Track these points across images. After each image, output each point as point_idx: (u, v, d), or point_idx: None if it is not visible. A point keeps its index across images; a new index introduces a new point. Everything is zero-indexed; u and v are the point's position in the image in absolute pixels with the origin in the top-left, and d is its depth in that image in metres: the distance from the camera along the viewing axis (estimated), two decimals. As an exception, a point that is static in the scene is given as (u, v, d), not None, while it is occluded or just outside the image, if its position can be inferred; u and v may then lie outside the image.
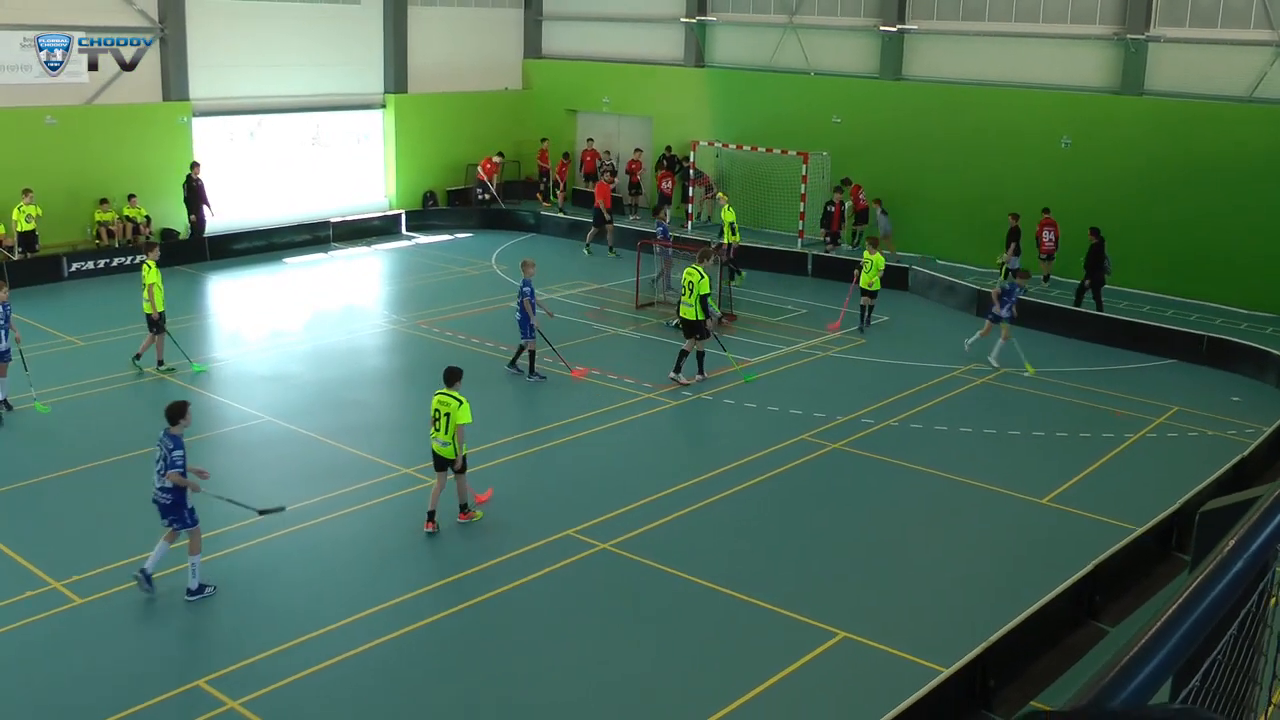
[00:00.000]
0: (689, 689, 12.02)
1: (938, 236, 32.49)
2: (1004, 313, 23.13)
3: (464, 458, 15.56)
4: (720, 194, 33.14)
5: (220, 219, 32.40)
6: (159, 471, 13.40)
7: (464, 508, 15.75)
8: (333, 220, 34.80)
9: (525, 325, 21.76)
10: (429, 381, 22.05)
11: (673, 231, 29.63)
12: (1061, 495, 17.19)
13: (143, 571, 13.61)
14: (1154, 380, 22.61)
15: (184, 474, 13.39)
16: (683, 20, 38.42)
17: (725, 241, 29.07)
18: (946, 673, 11.45)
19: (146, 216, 31.26)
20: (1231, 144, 28.10)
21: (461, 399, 15.34)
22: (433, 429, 15.52)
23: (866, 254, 25.40)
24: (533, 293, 21.76)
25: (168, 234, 31.71)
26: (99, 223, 30.46)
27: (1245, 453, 17.72)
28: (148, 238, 31.14)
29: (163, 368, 21.74)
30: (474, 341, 24.10)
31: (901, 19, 33.84)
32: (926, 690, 10.98)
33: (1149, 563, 14.77)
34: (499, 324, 25.59)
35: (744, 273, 30.07)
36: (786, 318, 26.89)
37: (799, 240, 33.62)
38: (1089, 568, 13.61)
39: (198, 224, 31.60)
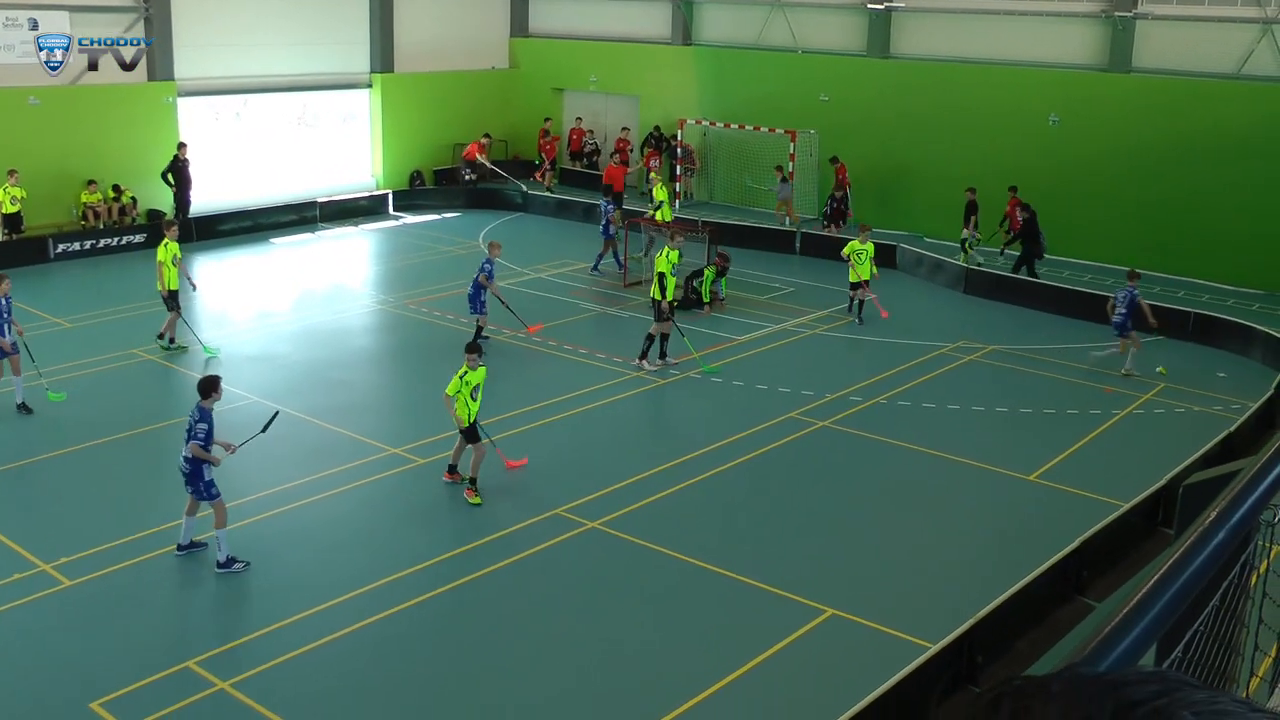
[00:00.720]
0: (678, 666, 12.07)
1: (925, 214, 32.46)
2: (1122, 319, 21.55)
3: (469, 428, 15.72)
4: (653, 173, 32.79)
5: (206, 199, 32.25)
6: (185, 441, 13.68)
7: (451, 468, 16.09)
8: (319, 200, 34.65)
9: (475, 300, 22.27)
10: (416, 361, 22.15)
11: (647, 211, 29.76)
12: (1048, 472, 17.26)
13: (179, 546, 14.00)
14: (1141, 356, 22.63)
15: (205, 447, 13.54)
16: (670, -2, 38.33)
17: (653, 218, 29.14)
18: (934, 649, 11.50)
19: (133, 198, 31.14)
20: (1219, 121, 28.13)
21: (460, 373, 15.62)
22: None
23: (857, 244, 24.44)
24: (492, 272, 22.32)
25: (154, 215, 31.57)
26: (85, 204, 30.34)
27: (1232, 428, 17.80)
28: (133, 219, 31.06)
29: (173, 345, 21.71)
30: (462, 321, 24.03)
31: (889, -4, 33.81)
32: (914, 666, 11.03)
33: (1136, 538, 14.85)
34: (488, 304, 25.57)
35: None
36: (774, 296, 26.89)
37: (787, 219, 33.59)
38: (1076, 544, 13.68)
39: (182, 204, 31.45)
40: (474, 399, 15.63)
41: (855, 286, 24.67)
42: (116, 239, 29.84)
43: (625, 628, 12.98)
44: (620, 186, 32.83)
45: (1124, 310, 21.55)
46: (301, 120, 36.22)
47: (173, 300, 21.52)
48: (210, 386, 13.91)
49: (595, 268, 28.31)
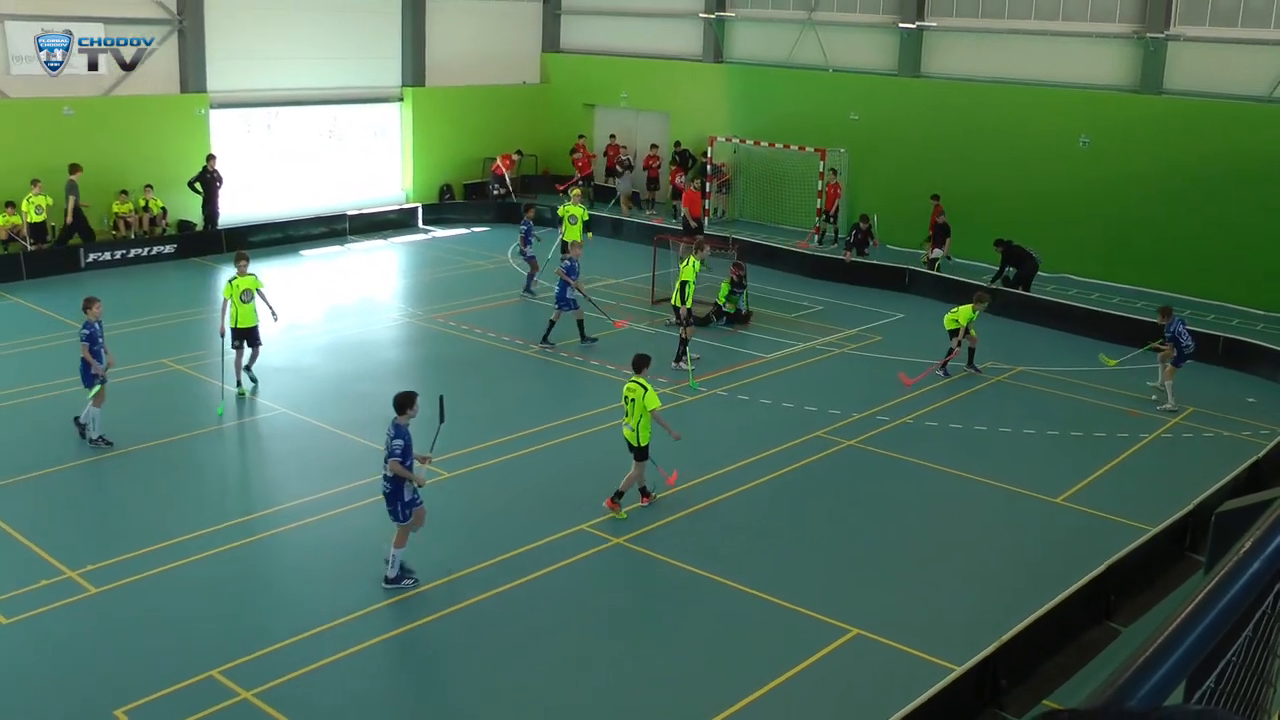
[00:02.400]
0: (700, 684, 12.03)
1: (953, 233, 32.30)
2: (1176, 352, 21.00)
3: (645, 447, 15.75)
4: (575, 190, 31.44)
5: (237, 211, 32.51)
6: (384, 460, 13.47)
7: (617, 495, 15.92)
8: (349, 213, 34.85)
9: (562, 298, 23.21)
10: (444, 375, 22.17)
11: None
12: (1076, 495, 17.14)
13: (386, 580, 13.74)
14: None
15: (405, 463, 13.32)
16: (701, 15, 38.40)
17: (564, 239, 27.82)
18: (958, 671, 11.44)
19: (163, 208, 31.35)
20: (1250, 144, 27.97)
21: (647, 385, 15.70)
22: (624, 417, 15.96)
23: (971, 310, 22.27)
24: (570, 269, 23.19)
25: (184, 226, 31.81)
26: (116, 214, 30.55)
27: (1260, 454, 17.65)
28: (164, 229, 31.26)
29: (254, 384, 20.51)
30: (490, 336, 24.13)
31: (920, 16, 33.76)
32: (938, 688, 10.97)
33: (1163, 563, 14.73)
34: (515, 318, 25.66)
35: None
36: (802, 314, 26.85)
37: (814, 238, 33.53)
38: (1103, 568, 13.58)
39: (210, 215, 31.65)
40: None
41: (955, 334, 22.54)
42: (147, 249, 30.07)
43: (648, 645, 12.96)
44: (697, 212, 32.45)
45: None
46: (332, 133, 36.47)
47: (238, 337, 20.09)
48: (407, 402, 13.58)
49: (528, 289, 27.67)
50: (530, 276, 27.86)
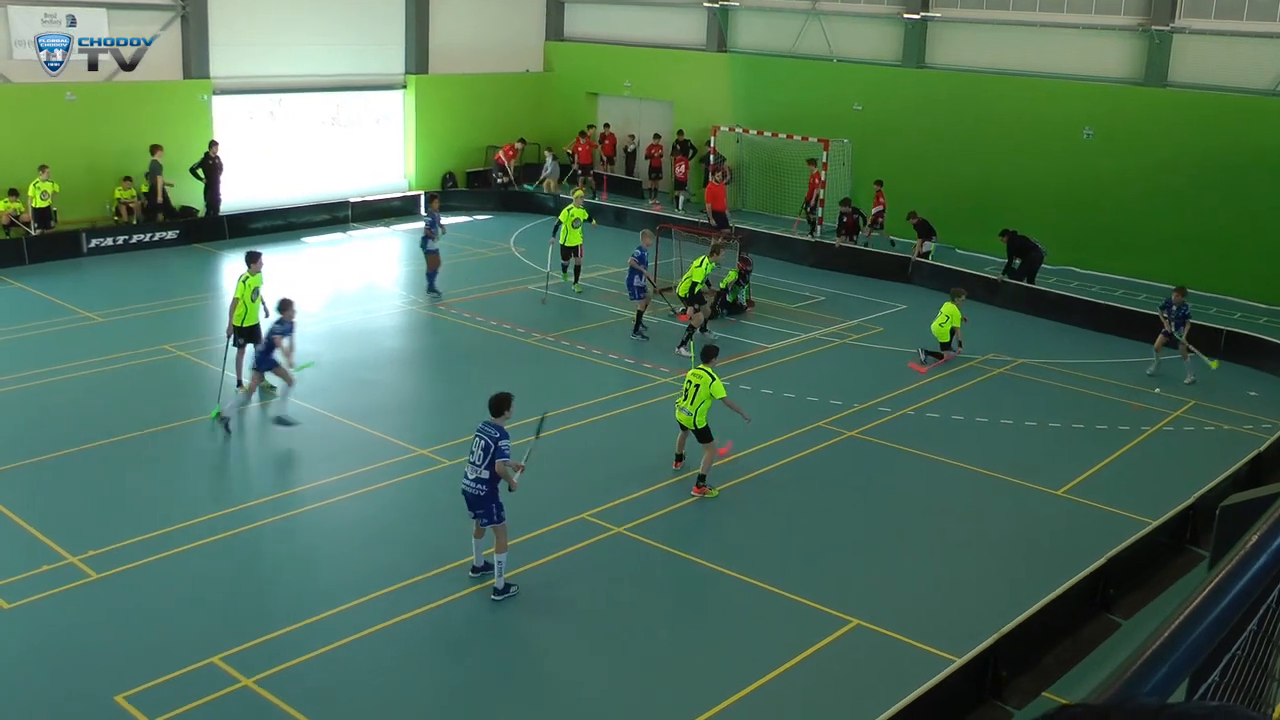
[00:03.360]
0: (700, 673, 12.04)
1: (957, 226, 32.25)
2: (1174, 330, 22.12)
3: (706, 429, 16.17)
4: (578, 190, 30.21)
5: (239, 197, 32.46)
6: (472, 461, 13.12)
7: (701, 479, 16.29)
8: (351, 200, 34.79)
9: (631, 286, 23.66)
10: (446, 363, 22.20)
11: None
12: (1077, 487, 17.15)
13: (473, 569, 13.72)
14: (1171, 373, 22.50)
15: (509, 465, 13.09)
16: (706, 5, 38.30)
17: (561, 242, 26.88)
18: (958, 662, 11.46)
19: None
20: (1256, 137, 27.91)
21: (714, 375, 16.15)
22: (679, 398, 16.43)
23: (957, 309, 22.82)
24: (641, 258, 23.54)
25: (186, 212, 31.77)
26: (119, 200, 30.52)
27: (1261, 448, 17.65)
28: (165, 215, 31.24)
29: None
30: (492, 323, 24.11)
31: (925, 6, 33.67)
32: (938, 679, 10.99)
33: (1163, 556, 14.74)
34: (516, 306, 25.62)
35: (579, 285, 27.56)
36: (804, 304, 26.83)
37: (818, 227, 33.46)
38: (1103, 560, 13.59)
39: (212, 201, 31.61)
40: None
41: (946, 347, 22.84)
42: (149, 235, 30.03)
43: (648, 633, 12.97)
44: (721, 205, 31.81)
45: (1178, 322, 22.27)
46: (335, 120, 36.42)
47: (242, 335, 19.62)
48: (503, 404, 13.26)
49: (432, 287, 26.38)
50: (432, 273, 26.39)
